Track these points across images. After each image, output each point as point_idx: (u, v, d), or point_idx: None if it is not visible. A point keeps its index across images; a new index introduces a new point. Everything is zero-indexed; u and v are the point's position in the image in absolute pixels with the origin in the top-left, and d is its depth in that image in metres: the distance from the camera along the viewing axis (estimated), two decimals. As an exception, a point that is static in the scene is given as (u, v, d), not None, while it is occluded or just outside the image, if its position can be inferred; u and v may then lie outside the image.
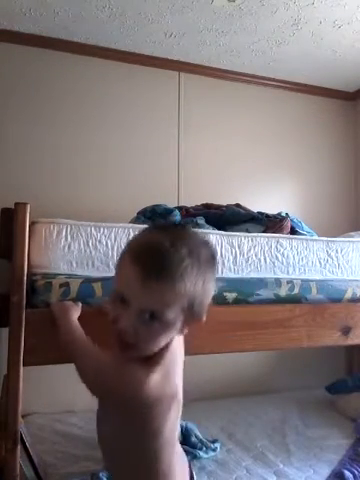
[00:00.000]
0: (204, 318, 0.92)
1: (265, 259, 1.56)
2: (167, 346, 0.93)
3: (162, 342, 0.91)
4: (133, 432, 0.92)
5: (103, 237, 1.37)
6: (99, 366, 0.95)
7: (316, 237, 1.77)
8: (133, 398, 0.88)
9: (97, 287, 1.29)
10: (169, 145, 2.61)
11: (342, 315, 1.57)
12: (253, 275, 1.53)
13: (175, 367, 0.96)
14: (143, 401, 0.88)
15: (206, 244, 0.93)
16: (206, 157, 2.67)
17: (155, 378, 0.89)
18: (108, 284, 1.30)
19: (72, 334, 1.09)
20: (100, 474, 1.53)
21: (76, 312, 1.19)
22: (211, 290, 0.93)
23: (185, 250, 0.85)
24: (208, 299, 0.92)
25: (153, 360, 0.91)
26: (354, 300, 1.62)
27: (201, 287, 0.88)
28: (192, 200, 2.13)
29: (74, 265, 1.33)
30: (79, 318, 1.18)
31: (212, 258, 0.92)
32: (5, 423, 1.16)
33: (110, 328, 0.90)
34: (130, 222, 1.78)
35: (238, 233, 1.57)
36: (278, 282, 1.53)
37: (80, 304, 1.23)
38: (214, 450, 1.82)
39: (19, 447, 1.17)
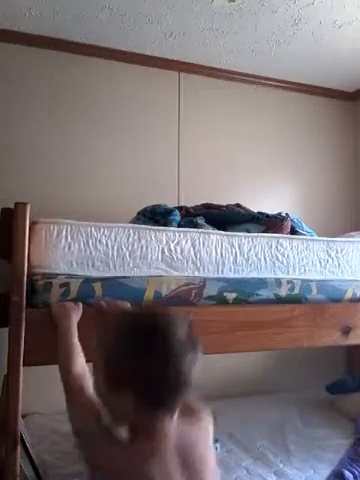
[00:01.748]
0: None
1: (265, 259, 1.56)
2: None
3: None
4: None
5: (103, 237, 1.36)
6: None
7: (316, 237, 1.77)
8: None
9: (97, 287, 1.29)
10: (169, 145, 2.60)
11: (342, 315, 1.57)
12: (253, 275, 1.53)
13: None
14: None
15: None
16: (206, 157, 2.66)
17: None
18: (108, 284, 1.31)
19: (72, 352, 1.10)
20: (100, 474, 1.52)
21: (77, 315, 1.19)
22: None
23: None
24: None
25: None
26: (354, 300, 1.62)
27: None
28: (192, 200, 2.12)
29: (74, 265, 1.33)
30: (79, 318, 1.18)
31: None
32: (5, 423, 1.16)
33: None
34: (130, 222, 1.78)
35: (238, 233, 1.57)
36: (278, 282, 1.53)
37: (81, 305, 1.23)
38: (214, 450, 1.82)
39: (19, 447, 1.18)
